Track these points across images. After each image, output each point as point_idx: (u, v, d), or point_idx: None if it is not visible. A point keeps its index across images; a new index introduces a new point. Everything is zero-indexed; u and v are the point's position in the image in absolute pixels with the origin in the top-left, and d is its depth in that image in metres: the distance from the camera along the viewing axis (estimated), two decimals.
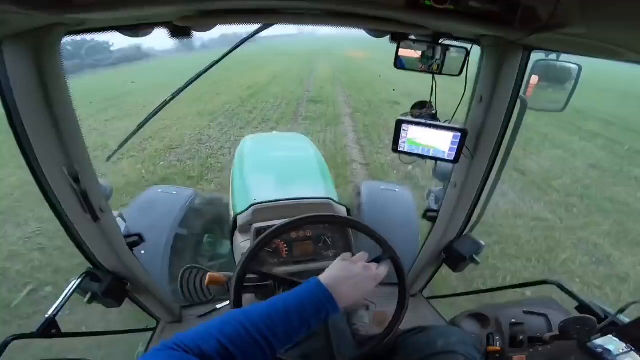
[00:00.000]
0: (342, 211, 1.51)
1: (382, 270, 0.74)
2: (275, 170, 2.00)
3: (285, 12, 0.78)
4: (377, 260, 0.86)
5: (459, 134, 1.02)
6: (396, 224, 1.99)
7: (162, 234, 1.86)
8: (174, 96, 1.23)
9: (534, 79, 1.09)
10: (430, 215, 1.47)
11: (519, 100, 1.10)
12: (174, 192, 2.22)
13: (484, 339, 1.04)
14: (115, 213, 1.14)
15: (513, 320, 1.06)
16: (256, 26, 0.97)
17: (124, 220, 1.27)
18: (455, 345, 0.86)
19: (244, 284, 0.86)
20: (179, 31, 0.84)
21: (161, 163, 5.11)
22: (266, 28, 1.01)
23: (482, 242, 1.42)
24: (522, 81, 1.04)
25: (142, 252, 1.34)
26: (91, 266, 1.13)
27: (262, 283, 0.93)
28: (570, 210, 3.86)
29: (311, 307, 0.59)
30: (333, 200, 1.52)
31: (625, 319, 0.96)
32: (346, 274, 0.67)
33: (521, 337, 1.01)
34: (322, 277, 0.65)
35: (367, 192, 2.27)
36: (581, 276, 2.79)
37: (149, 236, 1.33)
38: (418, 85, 1.26)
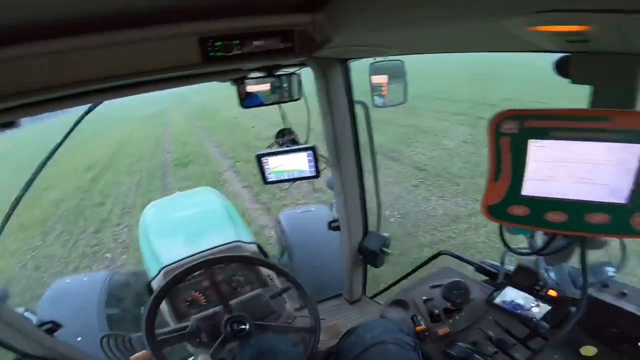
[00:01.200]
0: (252, 249, 1.67)
1: None
2: (181, 229, 2.11)
3: (107, 90, 0.84)
4: (283, 290, 1.22)
5: (311, 151, 1.19)
6: (320, 240, 2.25)
7: (90, 317, 1.97)
8: (24, 191, 1.26)
9: (383, 78, 1.17)
10: (333, 226, 1.68)
11: (360, 106, 1.31)
12: (85, 279, 2.32)
13: (410, 322, 1.14)
14: (20, 309, 1.28)
15: (424, 298, 1.19)
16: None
17: (34, 314, 1.35)
18: (381, 336, 0.98)
19: (174, 335, 1.07)
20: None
21: None
22: (95, 107, 1.11)
23: (386, 234, 1.65)
24: (350, 88, 1.27)
25: (79, 338, 1.65)
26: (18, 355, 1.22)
27: (183, 332, 1.09)
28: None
29: None
30: (242, 242, 1.67)
31: (510, 267, 1.16)
32: None
33: (436, 311, 1.13)
34: None
35: (286, 220, 2.53)
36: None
37: (76, 321, 1.63)
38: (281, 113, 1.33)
